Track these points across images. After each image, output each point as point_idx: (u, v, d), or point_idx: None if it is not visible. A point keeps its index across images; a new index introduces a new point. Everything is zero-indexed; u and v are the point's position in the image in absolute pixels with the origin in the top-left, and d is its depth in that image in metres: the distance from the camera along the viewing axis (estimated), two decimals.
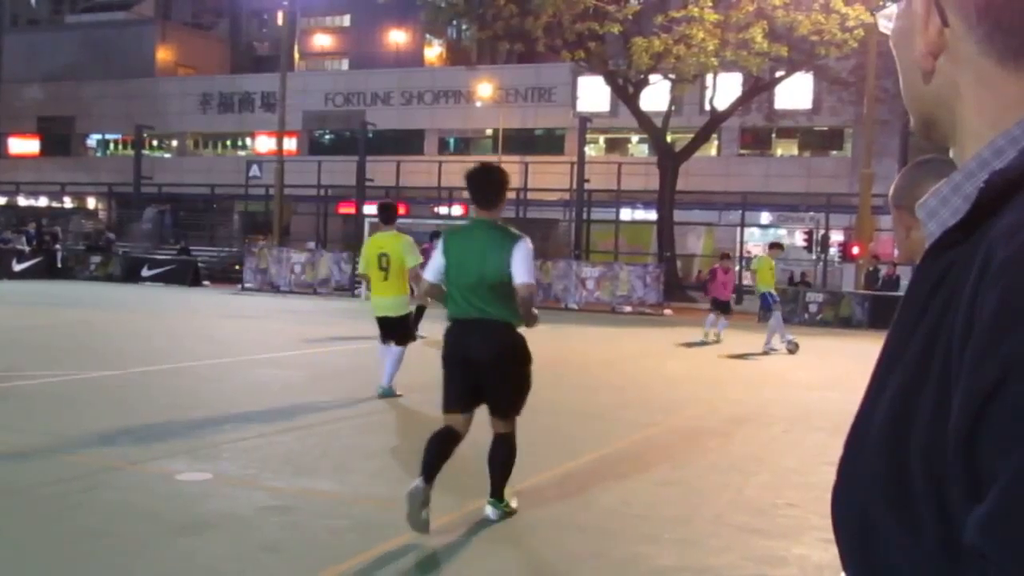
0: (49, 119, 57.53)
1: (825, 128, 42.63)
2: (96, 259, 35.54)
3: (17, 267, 33.18)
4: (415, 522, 5.59)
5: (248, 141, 54.43)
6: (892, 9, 0.97)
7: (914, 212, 0.95)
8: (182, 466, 7.08)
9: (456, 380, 5.89)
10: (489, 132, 48.71)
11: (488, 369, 5.80)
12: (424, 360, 11.82)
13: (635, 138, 46.05)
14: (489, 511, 6.11)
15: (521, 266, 5.81)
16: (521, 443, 7.28)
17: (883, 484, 0.83)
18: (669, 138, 34.83)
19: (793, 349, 17.86)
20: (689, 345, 18.20)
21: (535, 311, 5.98)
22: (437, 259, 6.05)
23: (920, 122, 0.97)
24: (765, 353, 17.72)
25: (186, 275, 33.56)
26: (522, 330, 5.99)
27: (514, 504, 6.28)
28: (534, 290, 5.99)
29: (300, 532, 5.69)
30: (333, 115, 51.13)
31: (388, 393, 10.75)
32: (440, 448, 5.87)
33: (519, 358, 5.93)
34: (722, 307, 19.06)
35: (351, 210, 41.10)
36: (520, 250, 5.85)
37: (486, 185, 6.06)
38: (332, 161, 42.72)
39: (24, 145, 58.84)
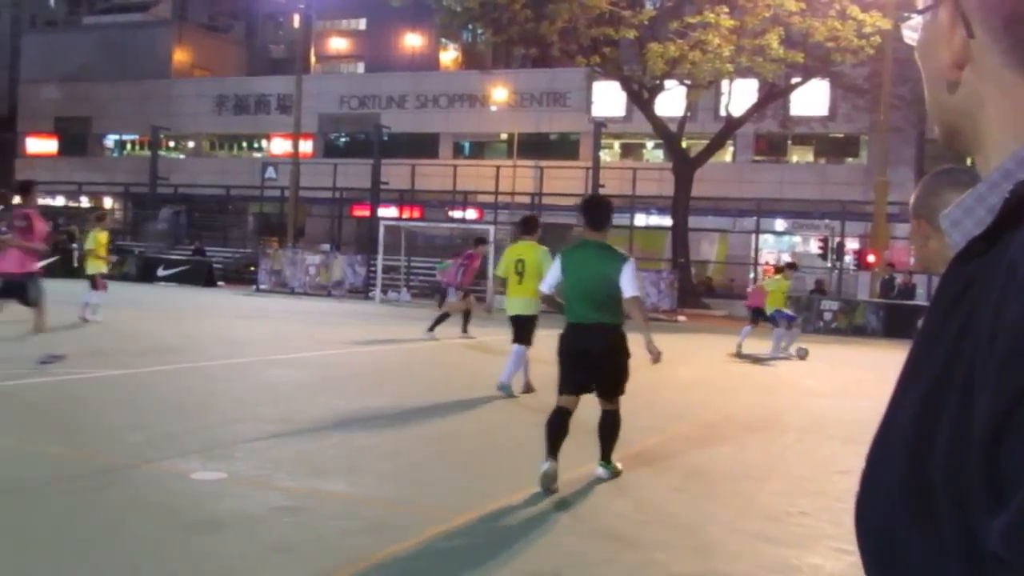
0: (66, 119, 57.83)
1: (840, 135, 42.53)
2: (112, 258, 35.73)
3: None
4: (546, 489, 6.86)
5: (263, 143, 54.60)
6: (917, 20, 0.97)
7: (933, 222, 0.95)
8: (196, 465, 7.11)
9: (571, 370, 7.14)
10: (504, 136, 48.75)
11: (599, 362, 7.11)
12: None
13: (650, 143, 46.00)
14: (600, 471, 7.36)
15: (630, 281, 7.09)
16: (533, 449, 7.29)
17: (906, 492, 0.83)
18: (684, 144, 34.82)
19: (803, 355, 17.89)
20: (743, 357, 18.17)
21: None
22: (555, 273, 7.37)
23: (944, 132, 0.97)
24: (786, 358, 17.85)
25: (200, 275, 33.70)
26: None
27: (619, 466, 7.51)
28: (641, 300, 7.36)
29: (312, 532, 5.70)
30: (348, 118, 51.26)
31: (506, 390, 11.38)
32: (559, 426, 7.09)
33: (623, 353, 7.16)
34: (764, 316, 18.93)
35: (365, 213, 41.24)
36: (628, 268, 7.13)
37: (600, 212, 7.36)
38: (347, 164, 42.86)
39: (42, 145, 59.15)
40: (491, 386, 11.94)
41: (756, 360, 17.55)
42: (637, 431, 9.65)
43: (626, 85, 33.48)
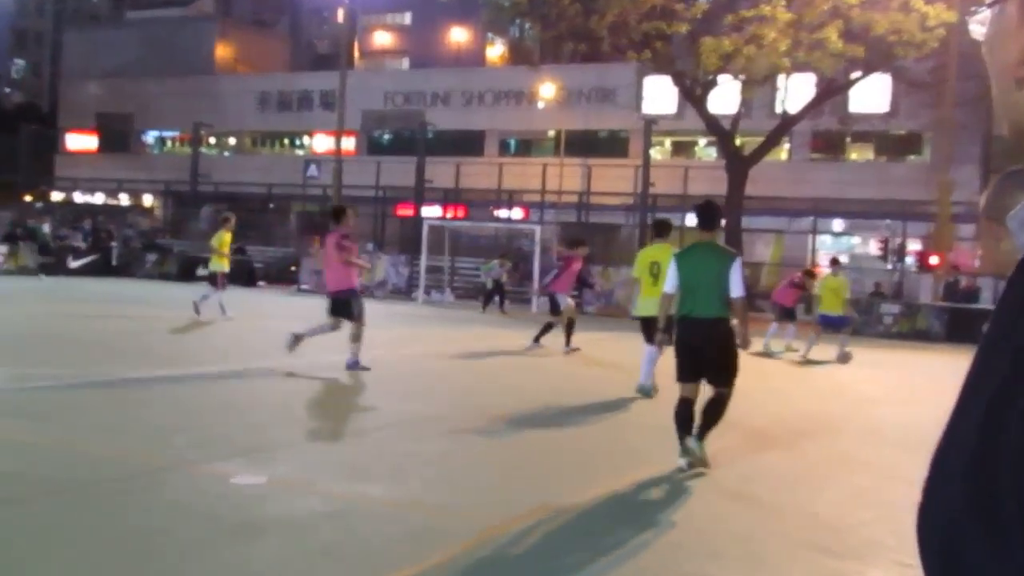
0: (108, 115, 58.70)
1: (902, 132, 41.99)
2: (152, 257, 36.24)
3: (73, 264, 33.90)
4: (690, 464, 7.85)
5: (306, 140, 55.05)
6: (985, 14, 0.97)
7: (1004, 223, 0.95)
8: (238, 468, 7.19)
9: (687, 360, 8.07)
10: (551, 133, 48.73)
11: (710, 353, 8.00)
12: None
13: (702, 141, 45.74)
14: (691, 442, 7.89)
15: (738, 281, 8.01)
16: (584, 457, 7.27)
17: (971, 501, 0.83)
18: (738, 141, 34.56)
19: (846, 360, 17.82)
20: (770, 356, 18.07)
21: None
22: (673, 273, 8.29)
23: (1013, 130, 0.97)
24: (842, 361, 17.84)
25: (242, 275, 34.03)
26: None
27: (708, 458, 7.94)
28: (746, 301, 8.24)
29: (355, 538, 5.75)
30: (392, 115, 51.55)
31: (646, 391, 11.88)
32: (685, 416, 8.00)
33: (732, 344, 8.10)
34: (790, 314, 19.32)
35: (409, 212, 41.35)
36: (737, 267, 8.05)
37: (711, 214, 8.44)
38: (390, 162, 43.04)
39: (83, 141, 60.09)
40: (542, 392, 11.99)
41: (810, 363, 17.42)
42: None
43: (678, 81, 33.30)
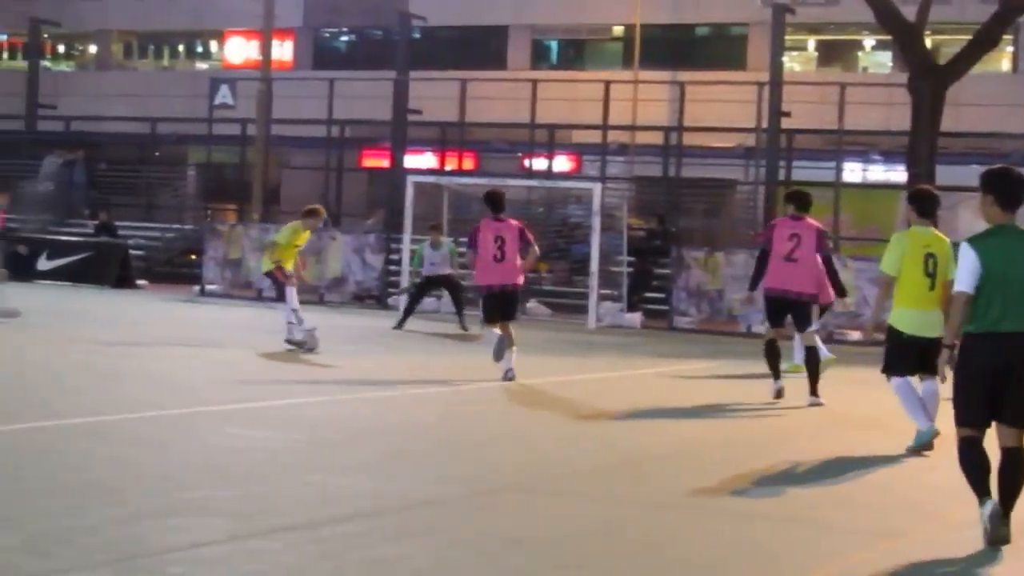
0: None
1: None
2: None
3: None
4: (995, 538, 8.87)
5: (213, 46, 55.03)
6: None
7: None
8: None
9: (981, 392, 9.03)
10: (618, 31, 48.54)
11: (1018, 381, 8.91)
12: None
13: (869, 41, 45.55)
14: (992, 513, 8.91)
15: None
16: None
17: None
18: (928, 41, 34.31)
19: None
20: None
21: None
22: (972, 268, 9.08)
23: None
24: None
25: (109, 269, 33.99)
26: None
27: None
28: None
29: None
30: (353, 3, 51.51)
31: (925, 439, 13.29)
32: (978, 461, 9.07)
33: None
34: None
35: (384, 162, 41.29)
36: None
37: (1017, 186, 9.21)
38: (352, 80, 42.94)
39: None
40: (599, 457, 11.89)
41: None
42: (857, 536, 9.49)
43: None
